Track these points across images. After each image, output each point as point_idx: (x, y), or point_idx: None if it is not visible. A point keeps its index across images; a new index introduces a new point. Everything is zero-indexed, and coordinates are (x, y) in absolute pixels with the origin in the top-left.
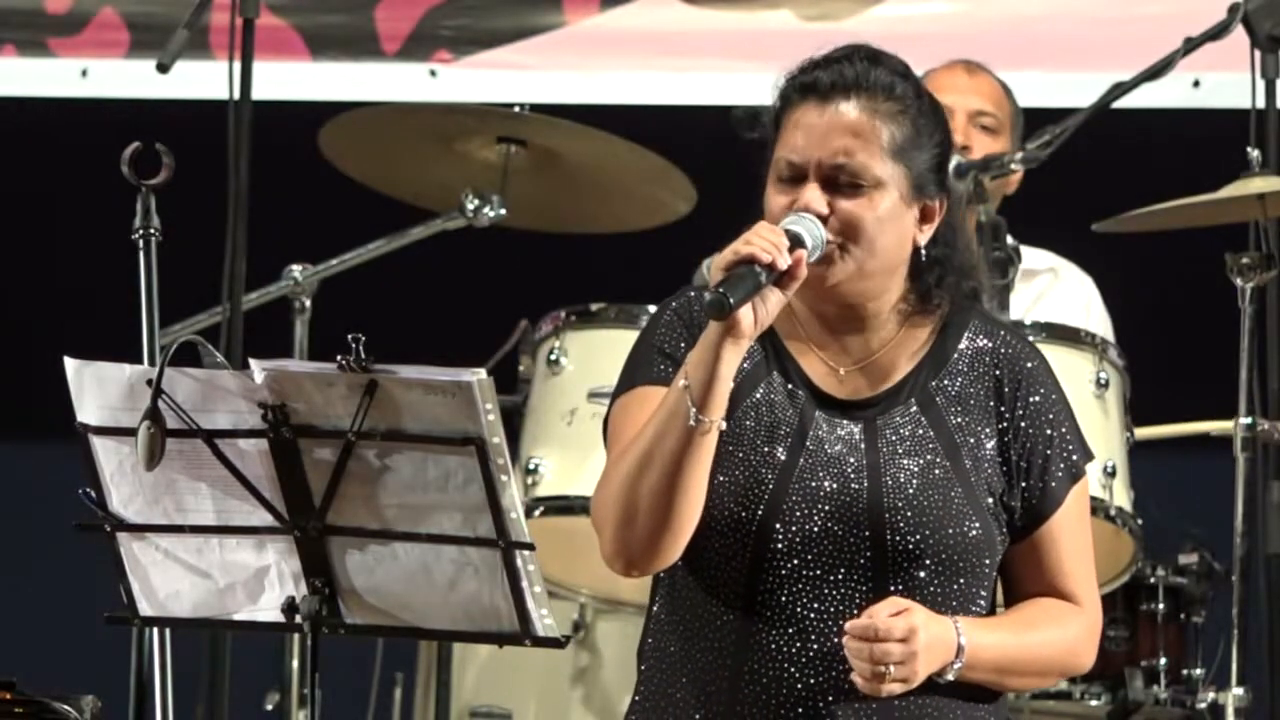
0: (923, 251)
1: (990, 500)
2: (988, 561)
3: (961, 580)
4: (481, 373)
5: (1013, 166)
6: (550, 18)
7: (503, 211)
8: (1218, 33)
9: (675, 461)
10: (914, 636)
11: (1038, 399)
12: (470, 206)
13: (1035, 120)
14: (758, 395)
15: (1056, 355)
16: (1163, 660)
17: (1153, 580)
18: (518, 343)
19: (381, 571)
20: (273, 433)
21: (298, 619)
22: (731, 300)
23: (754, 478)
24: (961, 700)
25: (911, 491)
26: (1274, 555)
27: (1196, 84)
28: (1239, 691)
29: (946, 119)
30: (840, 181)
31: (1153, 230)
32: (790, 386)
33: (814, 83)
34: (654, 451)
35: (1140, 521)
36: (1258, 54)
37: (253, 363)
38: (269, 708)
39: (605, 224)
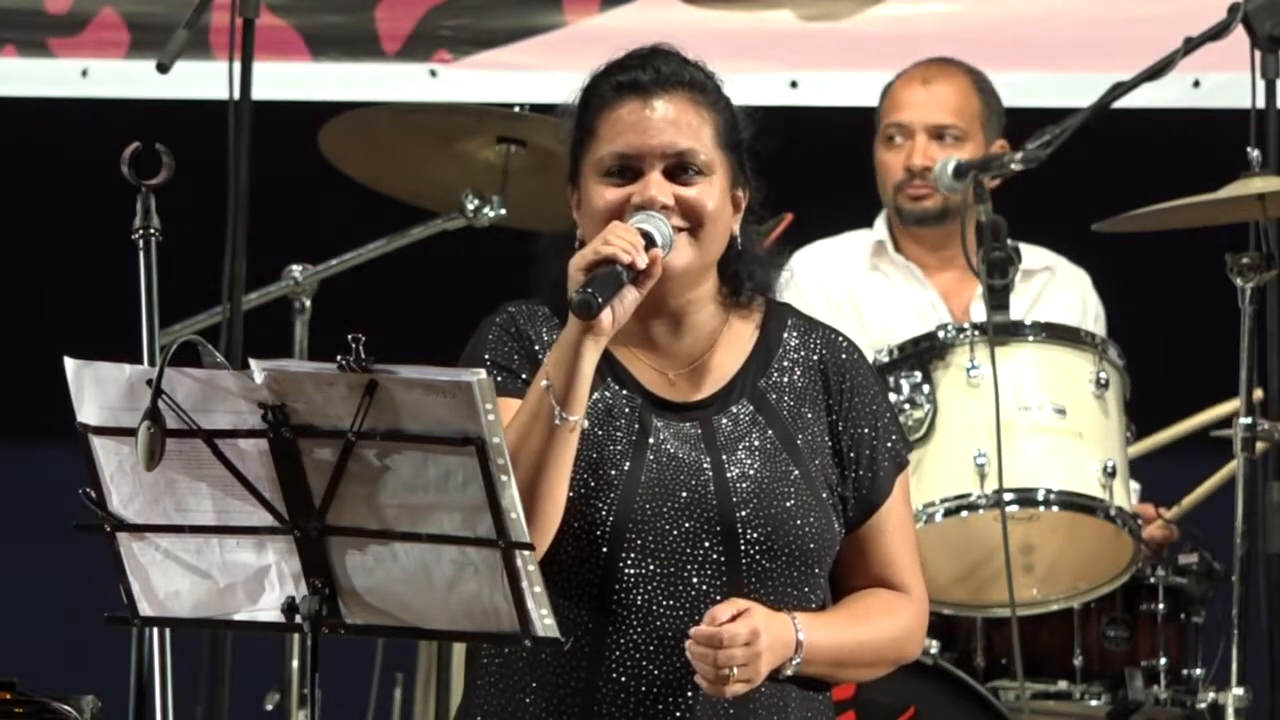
0: (738, 240)
1: (826, 493)
2: (829, 552)
3: (806, 571)
4: (481, 373)
5: (1013, 166)
6: (550, 18)
7: (503, 211)
8: (1218, 33)
9: (539, 462)
10: (756, 639)
11: (862, 391)
12: (470, 206)
13: (1035, 120)
14: (594, 397)
15: (1056, 355)
16: (1163, 660)
17: (1153, 580)
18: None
19: (381, 571)
20: (273, 433)
21: (298, 619)
22: (600, 299)
23: (602, 480)
24: (799, 688)
25: (757, 487)
26: (1274, 555)
27: (1196, 84)
28: (1239, 691)
29: (744, 120)
30: (679, 170)
31: (1153, 230)
32: (625, 392)
33: (633, 81)
34: (518, 454)
35: (1140, 521)
36: (1258, 54)
37: (253, 363)
38: (269, 708)
39: None
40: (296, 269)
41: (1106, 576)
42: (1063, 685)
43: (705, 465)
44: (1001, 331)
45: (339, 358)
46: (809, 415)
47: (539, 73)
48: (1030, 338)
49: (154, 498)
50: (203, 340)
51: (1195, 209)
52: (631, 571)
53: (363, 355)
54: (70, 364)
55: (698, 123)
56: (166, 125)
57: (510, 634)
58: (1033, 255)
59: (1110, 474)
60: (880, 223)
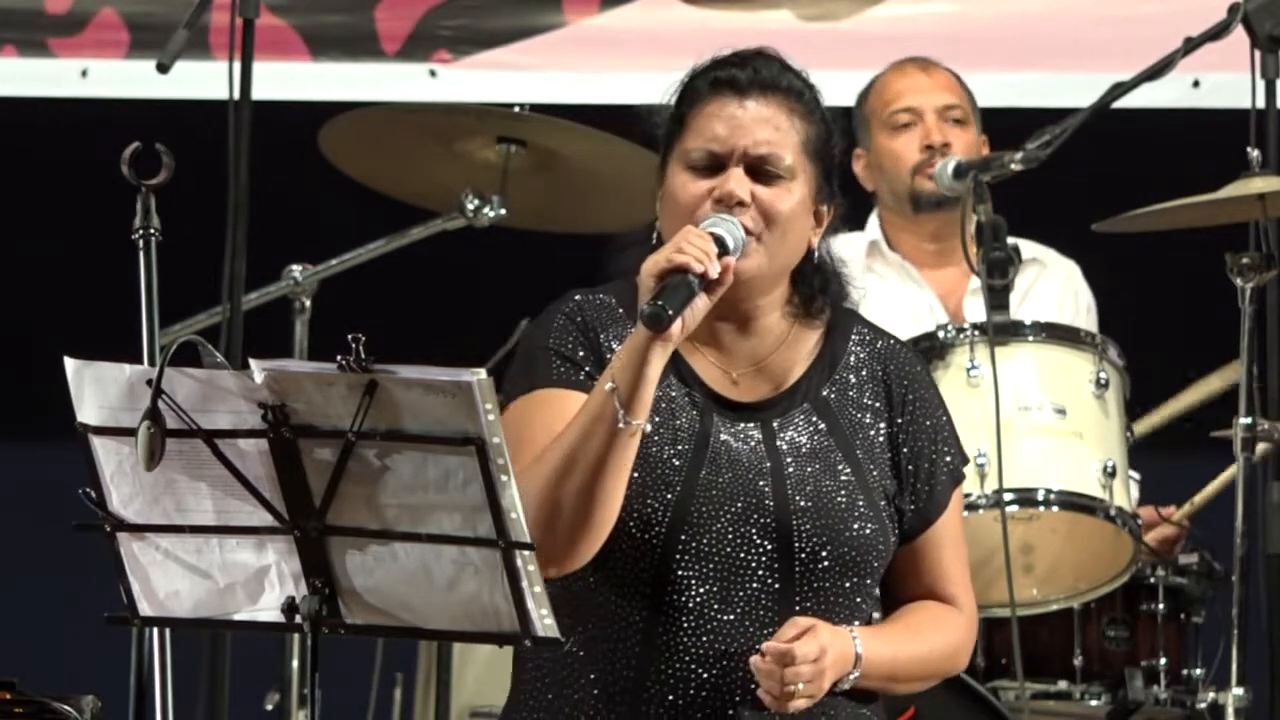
0: (815, 252)
1: (884, 501)
2: (882, 561)
3: (859, 579)
4: (481, 373)
5: (1013, 166)
6: (550, 18)
7: (503, 211)
8: (1218, 33)
9: (600, 463)
10: (823, 656)
11: (923, 403)
12: (470, 206)
13: (1035, 120)
14: (657, 395)
15: (1056, 355)
16: (1163, 660)
17: (1153, 580)
18: (518, 343)
19: (381, 572)
20: (273, 433)
21: (298, 619)
22: (670, 312)
23: (660, 479)
24: (851, 700)
25: (815, 492)
26: (1274, 555)
27: (1196, 84)
28: (1239, 691)
29: (838, 135)
30: (760, 171)
31: (1153, 230)
32: (687, 389)
33: (731, 79)
34: (578, 454)
35: (1140, 521)
36: (1258, 54)
37: (253, 363)
38: (269, 708)
39: (605, 224)
40: (296, 269)
41: (1106, 576)
42: (1063, 685)
43: (765, 468)
44: (1001, 331)
45: (339, 358)
46: (869, 424)
47: (539, 73)
48: (1030, 338)
49: (154, 498)
50: (203, 340)
51: (1195, 209)
52: (685, 572)
53: (363, 355)
54: (70, 364)
55: (787, 128)
56: (166, 125)
57: (510, 634)
58: (1020, 248)
59: (1110, 474)
60: (873, 222)
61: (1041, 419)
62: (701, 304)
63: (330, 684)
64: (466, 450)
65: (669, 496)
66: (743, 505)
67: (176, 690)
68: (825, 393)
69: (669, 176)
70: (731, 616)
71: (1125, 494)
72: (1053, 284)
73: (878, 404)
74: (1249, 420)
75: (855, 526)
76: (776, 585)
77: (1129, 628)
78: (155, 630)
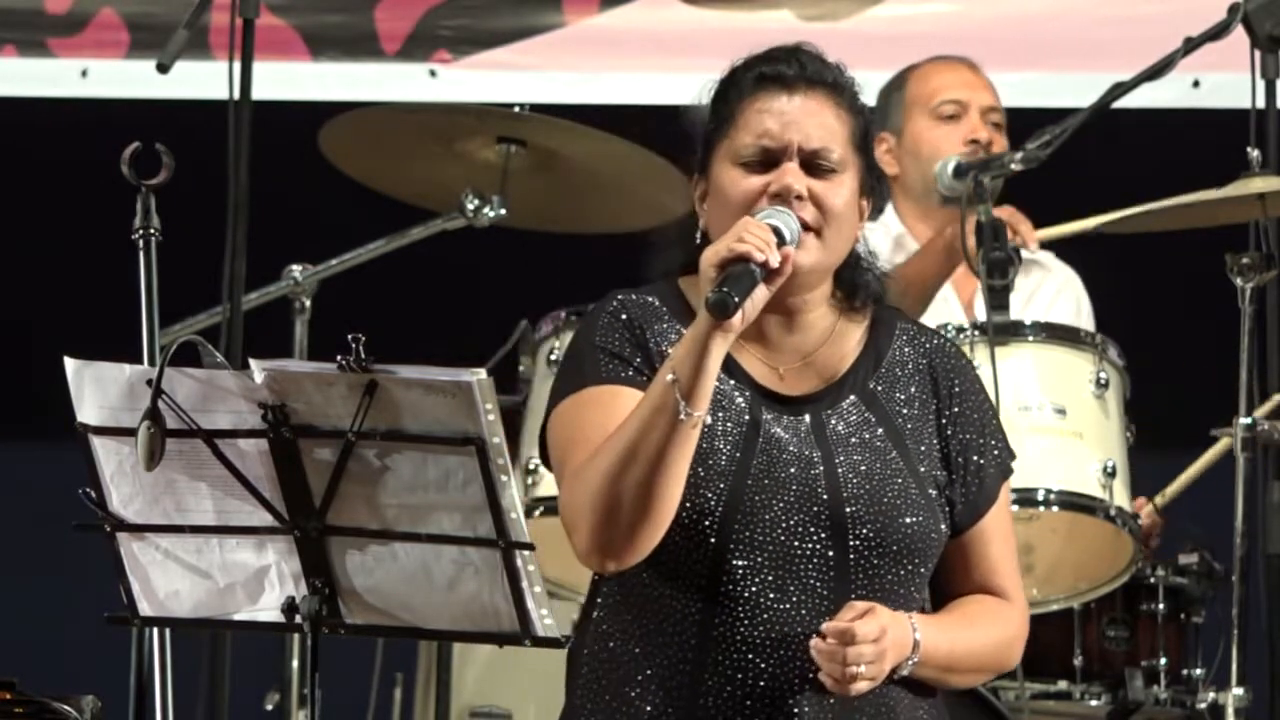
0: (859, 246)
1: (934, 492)
2: (935, 552)
3: (913, 570)
4: (481, 373)
5: (1013, 166)
6: (550, 18)
7: (503, 211)
8: (1218, 33)
9: (661, 456)
10: (884, 636)
11: (970, 395)
12: (470, 206)
13: (1035, 120)
14: None
15: (1056, 355)
16: (1163, 660)
17: (1153, 580)
18: (518, 343)
19: (381, 572)
20: (273, 433)
21: (298, 619)
22: (736, 299)
23: (713, 470)
24: (910, 692)
25: (867, 482)
26: (1274, 555)
27: (1196, 84)
28: (1239, 691)
29: (874, 128)
30: (813, 165)
31: (1153, 230)
32: (735, 383)
33: (778, 74)
34: (639, 446)
35: (1140, 521)
36: (1258, 54)
37: (253, 363)
38: (269, 708)
39: (605, 224)
40: (296, 269)
41: (1106, 576)
42: (1063, 685)
43: (815, 459)
44: (1001, 331)
45: (339, 358)
46: (918, 417)
47: (539, 73)
48: (1030, 338)
49: (154, 498)
50: (203, 340)
51: (1195, 209)
52: (740, 563)
53: (363, 355)
54: (70, 364)
55: (835, 122)
56: (166, 125)
57: (510, 634)
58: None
59: (1110, 474)
60: (892, 215)
61: (1041, 419)
62: (760, 294)
63: (330, 684)
64: (466, 450)
65: (722, 486)
66: (795, 494)
67: (176, 690)
68: (872, 385)
69: (718, 174)
70: (787, 605)
71: (1125, 494)
72: (1055, 289)
73: (925, 396)
74: (1249, 420)
75: (908, 517)
76: (831, 574)
77: (1129, 628)
78: (155, 630)
